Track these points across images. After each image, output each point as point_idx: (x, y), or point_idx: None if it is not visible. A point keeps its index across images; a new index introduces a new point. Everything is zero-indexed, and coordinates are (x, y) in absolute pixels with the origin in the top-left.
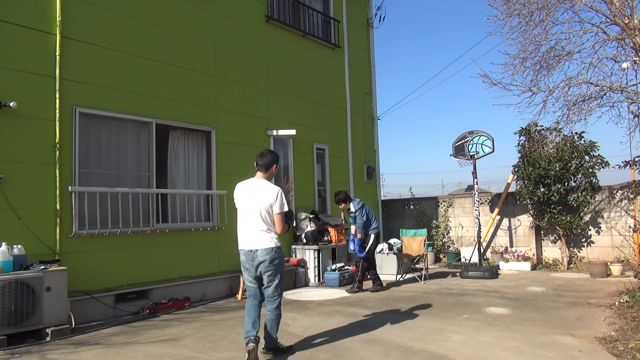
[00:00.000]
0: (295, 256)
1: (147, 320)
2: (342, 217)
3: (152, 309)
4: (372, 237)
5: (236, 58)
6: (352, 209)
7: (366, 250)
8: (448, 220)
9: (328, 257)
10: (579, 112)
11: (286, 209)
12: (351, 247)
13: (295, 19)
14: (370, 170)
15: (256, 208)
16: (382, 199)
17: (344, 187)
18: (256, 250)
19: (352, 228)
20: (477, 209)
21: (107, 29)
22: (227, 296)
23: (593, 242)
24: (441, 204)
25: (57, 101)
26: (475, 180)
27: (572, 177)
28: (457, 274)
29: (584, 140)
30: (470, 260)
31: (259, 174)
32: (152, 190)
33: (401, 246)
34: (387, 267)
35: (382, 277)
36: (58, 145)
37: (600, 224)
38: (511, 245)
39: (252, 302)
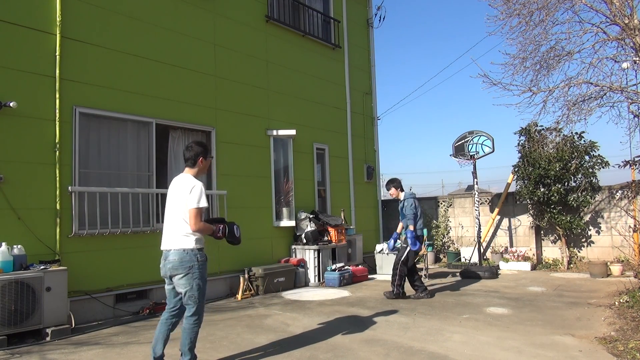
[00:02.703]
0: (295, 256)
1: (147, 320)
2: (342, 217)
3: (152, 309)
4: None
5: (236, 58)
6: (402, 198)
7: (406, 250)
8: (448, 220)
9: (328, 257)
10: (579, 112)
11: (202, 204)
12: (390, 243)
13: (295, 19)
14: (370, 170)
15: (173, 205)
16: (382, 199)
17: (344, 187)
18: (169, 250)
19: (399, 226)
20: (477, 209)
21: (107, 29)
22: (227, 296)
23: (593, 242)
24: (441, 204)
25: (57, 101)
26: (475, 180)
27: (572, 177)
28: (457, 274)
29: (584, 140)
30: (470, 260)
31: (186, 169)
32: (152, 190)
33: None
34: (387, 267)
35: (382, 277)
36: (58, 145)
37: (600, 224)
38: (511, 245)
39: (164, 316)
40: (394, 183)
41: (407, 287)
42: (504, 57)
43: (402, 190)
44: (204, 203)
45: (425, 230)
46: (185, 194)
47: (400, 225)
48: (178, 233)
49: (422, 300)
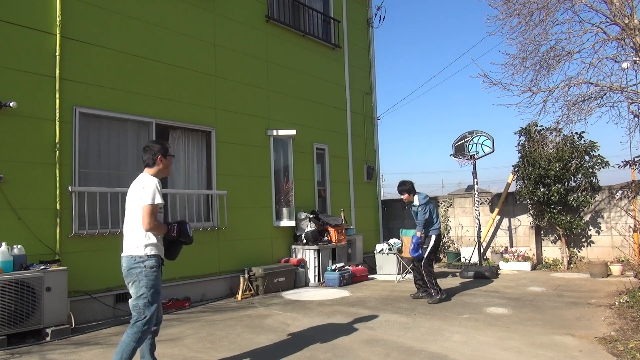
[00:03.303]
0: (295, 256)
1: None
2: (342, 217)
3: None
4: (433, 238)
5: (236, 58)
6: (416, 203)
7: (426, 251)
8: (448, 220)
9: (328, 257)
10: (579, 112)
11: (157, 200)
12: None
13: (295, 19)
14: (370, 170)
15: (128, 208)
16: (382, 199)
17: (344, 187)
18: (123, 256)
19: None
20: (477, 209)
21: (107, 29)
22: (227, 296)
23: (593, 242)
24: (441, 204)
25: (57, 101)
26: (475, 180)
27: (572, 177)
28: (457, 274)
29: (584, 140)
30: (470, 260)
31: (145, 169)
32: None
33: (401, 246)
34: (387, 267)
35: (382, 277)
36: (58, 145)
37: (600, 224)
38: (511, 245)
39: None
40: (406, 187)
41: (412, 284)
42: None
43: (415, 193)
44: (158, 200)
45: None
46: (138, 192)
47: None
48: (129, 238)
49: (422, 300)
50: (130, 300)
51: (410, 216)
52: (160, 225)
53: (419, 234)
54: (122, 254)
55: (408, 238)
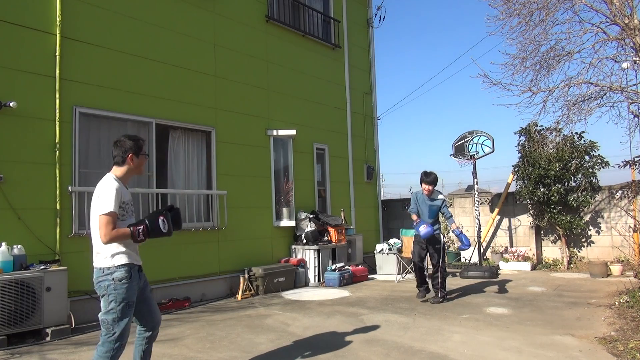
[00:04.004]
0: (295, 256)
1: None
2: (342, 217)
3: None
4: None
5: (236, 58)
6: (441, 197)
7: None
8: None
9: (328, 257)
10: (579, 112)
11: (106, 209)
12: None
13: (295, 19)
14: (370, 170)
15: (91, 214)
16: (382, 199)
17: (344, 187)
18: (94, 267)
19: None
20: (477, 209)
21: (107, 29)
22: (227, 296)
23: (593, 242)
24: None
25: (57, 101)
26: (475, 180)
27: (572, 177)
28: (457, 274)
29: (584, 140)
30: (470, 260)
31: (113, 167)
32: (152, 190)
33: (401, 246)
34: (387, 267)
35: (382, 277)
36: (58, 145)
37: (600, 224)
38: (511, 245)
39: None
40: (434, 177)
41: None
42: (504, 57)
43: (435, 186)
44: (113, 207)
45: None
46: (94, 198)
47: (415, 216)
48: (95, 248)
49: (422, 300)
50: (99, 314)
51: (410, 216)
52: (120, 234)
53: (454, 226)
54: (94, 265)
55: (408, 238)
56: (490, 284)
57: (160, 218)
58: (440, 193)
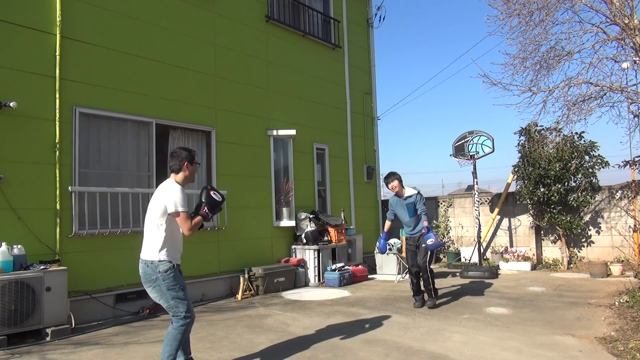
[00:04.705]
0: (295, 256)
1: (147, 320)
2: (342, 217)
3: (152, 309)
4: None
5: (236, 58)
6: (411, 193)
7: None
8: (448, 220)
9: (328, 257)
10: (579, 112)
11: (184, 207)
12: (382, 243)
13: (295, 19)
14: (370, 170)
15: (149, 212)
16: (382, 199)
17: (344, 187)
18: (140, 260)
19: (388, 225)
20: (477, 209)
21: (107, 29)
22: (227, 296)
23: (593, 242)
24: (441, 204)
25: (57, 101)
26: (475, 180)
27: (572, 177)
28: (457, 274)
29: (584, 140)
30: (470, 260)
31: (171, 175)
32: (152, 190)
33: (401, 246)
34: (387, 267)
35: (382, 277)
36: (58, 145)
37: (600, 224)
38: (511, 245)
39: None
40: (398, 176)
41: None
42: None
43: (402, 183)
44: (187, 206)
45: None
46: (162, 199)
47: (389, 224)
48: (145, 242)
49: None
50: (162, 303)
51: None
52: (196, 222)
53: (426, 223)
54: (141, 257)
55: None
56: (490, 284)
57: (211, 192)
58: (413, 188)
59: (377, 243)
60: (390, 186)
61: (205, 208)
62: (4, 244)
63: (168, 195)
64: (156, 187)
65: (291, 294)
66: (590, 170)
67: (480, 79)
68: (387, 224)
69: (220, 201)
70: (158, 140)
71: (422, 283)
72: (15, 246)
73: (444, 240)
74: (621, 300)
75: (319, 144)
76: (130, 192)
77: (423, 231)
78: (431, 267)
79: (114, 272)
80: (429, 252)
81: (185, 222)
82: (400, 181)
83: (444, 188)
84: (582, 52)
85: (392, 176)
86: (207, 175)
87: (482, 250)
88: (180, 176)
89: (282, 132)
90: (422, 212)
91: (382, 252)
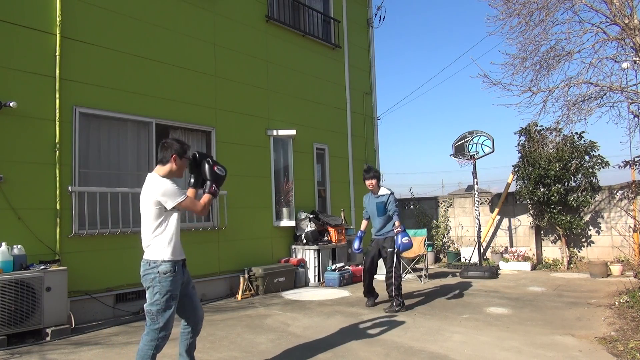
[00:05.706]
0: (295, 256)
1: None
2: (342, 217)
3: None
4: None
5: (236, 58)
6: (386, 192)
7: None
8: (448, 220)
9: (328, 257)
10: (579, 112)
11: (181, 196)
12: (356, 244)
13: (295, 19)
14: None
15: (142, 210)
16: None
17: (344, 187)
18: (142, 259)
19: (364, 224)
20: (477, 209)
21: (107, 29)
22: (227, 296)
23: (593, 242)
24: (441, 204)
25: (57, 101)
26: (475, 180)
27: (572, 177)
28: (457, 274)
29: (584, 140)
30: (470, 260)
31: (156, 167)
32: None
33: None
34: None
35: (381, 277)
36: (58, 145)
37: (600, 224)
38: (511, 245)
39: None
40: (378, 172)
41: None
42: (504, 57)
43: (379, 182)
44: (182, 192)
45: (425, 231)
46: (153, 195)
47: (365, 223)
48: (145, 242)
49: (422, 300)
50: (145, 305)
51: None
52: (207, 200)
53: (397, 224)
54: (143, 257)
55: (413, 238)
56: (490, 284)
57: (215, 168)
58: (388, 189)
59: (352, 243)
60: (368, 182)
61: (214, 185)
62: (4, 244)
63: (158, 193)
64: None
65: (291, 294)
66: (590, 170)
67: (480, 79)
68: (364, 222)
69: (224, 175)
70: (158, 140)
71: (386, 287)
72: (15, 246)
73: (444, 240)
74: (621, 300)
75: (319, 144)
76: (130, 192)
77: (395, 230)
78: (398, 271)
79: (113, 272)
80: (396, 257)
81: (194, 205)
82: (379, 180)
83: (444, 188)
84: (582, 52)
85: (371, 172)
86: None
87: (482, 250)
88: (166, 168)
89: (282, 132)
90: (394, 213)
91: (357, 252)
